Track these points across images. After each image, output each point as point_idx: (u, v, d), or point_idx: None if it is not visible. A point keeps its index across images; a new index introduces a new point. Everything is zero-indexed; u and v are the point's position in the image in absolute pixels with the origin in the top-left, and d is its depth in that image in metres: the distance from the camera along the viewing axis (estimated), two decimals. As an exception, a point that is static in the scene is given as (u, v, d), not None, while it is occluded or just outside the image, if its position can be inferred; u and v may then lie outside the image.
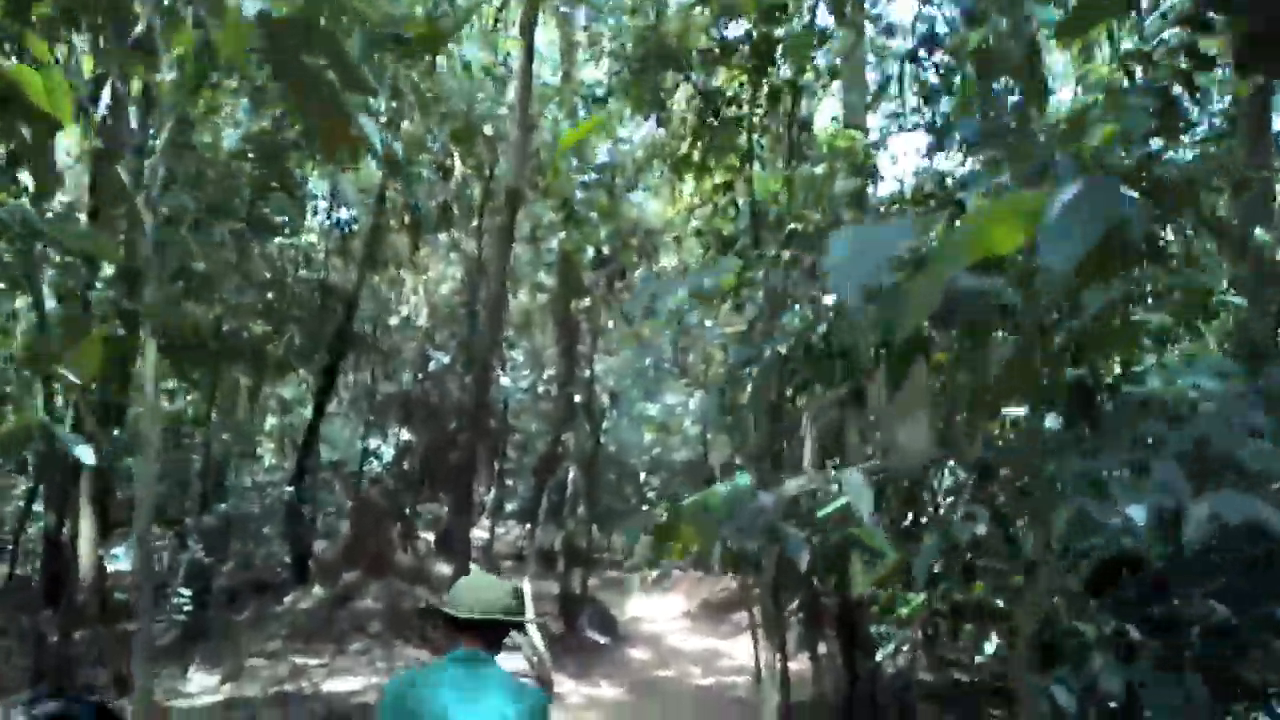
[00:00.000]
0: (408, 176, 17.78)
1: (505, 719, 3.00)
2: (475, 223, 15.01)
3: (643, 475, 27.28)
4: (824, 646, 12.51)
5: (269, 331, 17.01)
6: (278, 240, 18.06)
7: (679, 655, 15.78)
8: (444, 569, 15.87)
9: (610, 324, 17.01)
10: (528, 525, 25.86)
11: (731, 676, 14.24)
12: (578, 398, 16.26)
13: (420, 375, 17.44)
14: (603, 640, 16.17)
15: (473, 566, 13.86)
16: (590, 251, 13.79)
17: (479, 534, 24.57)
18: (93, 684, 11.02)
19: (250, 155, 16.87)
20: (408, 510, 16.55)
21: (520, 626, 3.48)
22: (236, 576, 16.88)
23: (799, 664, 15.07)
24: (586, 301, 15.89)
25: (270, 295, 17.68)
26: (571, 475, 16.45)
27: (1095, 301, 3.95)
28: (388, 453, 19.69)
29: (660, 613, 19.69)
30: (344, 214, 20.67)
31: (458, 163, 12.73)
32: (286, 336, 17.33)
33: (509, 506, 26.92)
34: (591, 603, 17.60)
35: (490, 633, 3.24)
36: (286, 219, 17.81)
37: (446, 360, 17.19)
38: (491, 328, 7.96)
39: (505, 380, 16.60)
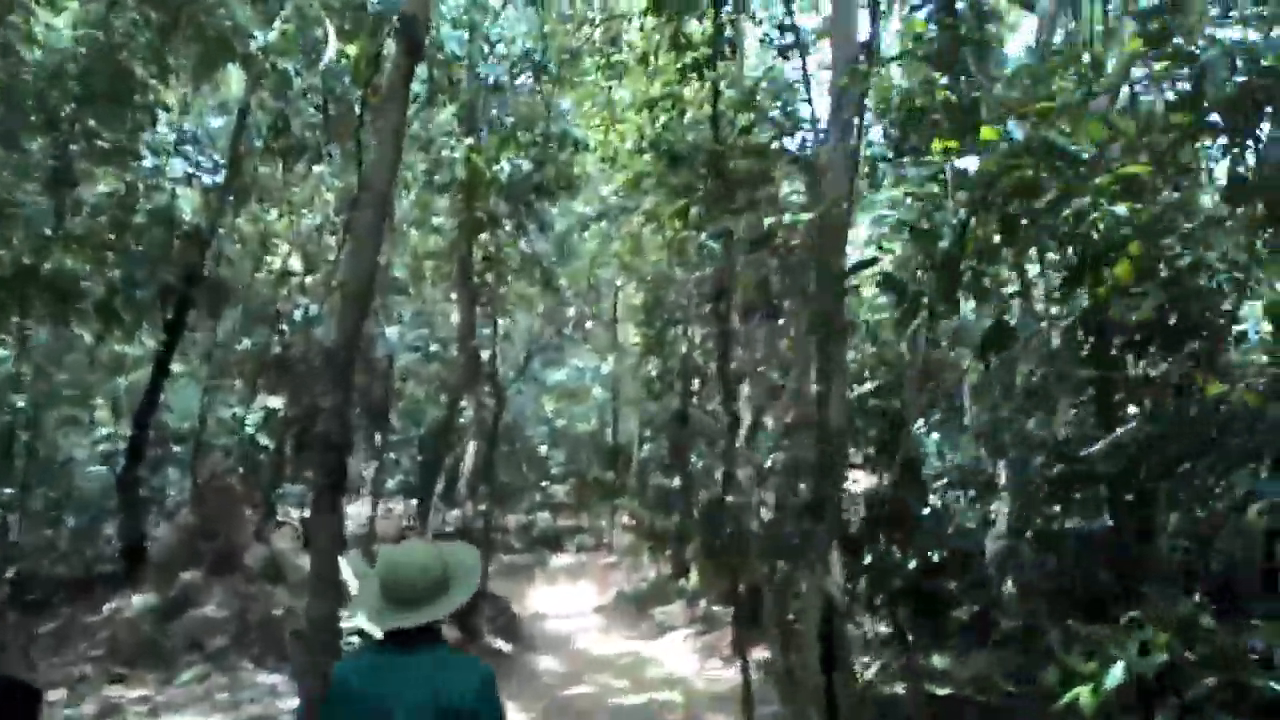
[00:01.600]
0: (279, 80, 14.68)
1: (441, 694, 2.90)
2: (356, 126, 12.02)
3: (543, 448, 24.64)
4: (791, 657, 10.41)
5: (90, 269, 13.76)
6: (113, 164, 14.86)
7: (597, 664, 13.32)
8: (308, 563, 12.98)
9: (511, 275, 14.27)
10: (415, 504, 23.09)
11: (664, 692, 11.85)
12: (485, 354, 13.56)
13: (287, 329, 14.38)
14: (506, 648, 13.59)
15: (343, 562, 11.10)
16: (503, 167, 11.07)
17: (361, 513, 21.70)
18: None
19: (81, 56, 13.66)
20: (269, 491, 13.56)
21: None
22: (47, 572, 13.63)
23: (736, 671, 12.88)
24: (490, 246, 13.18)
25: (103, 228, 14.48)
26: (471, 449, 13.74)
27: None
28: (252, 421, 16.55)
29: (569, 606, 17.19)
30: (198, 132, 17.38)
31: (330, 35, 9.80)
32: (116, 277, 14.07)
33: (392, 482, 24.03)
34: (492, 600, 14.98)
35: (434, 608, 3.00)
36: (123, 137, 14.60)
37: (321, 312, 14.18)
38: (364, 256, 5.25)
39: (390, 333, 13.74)
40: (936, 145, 4.28)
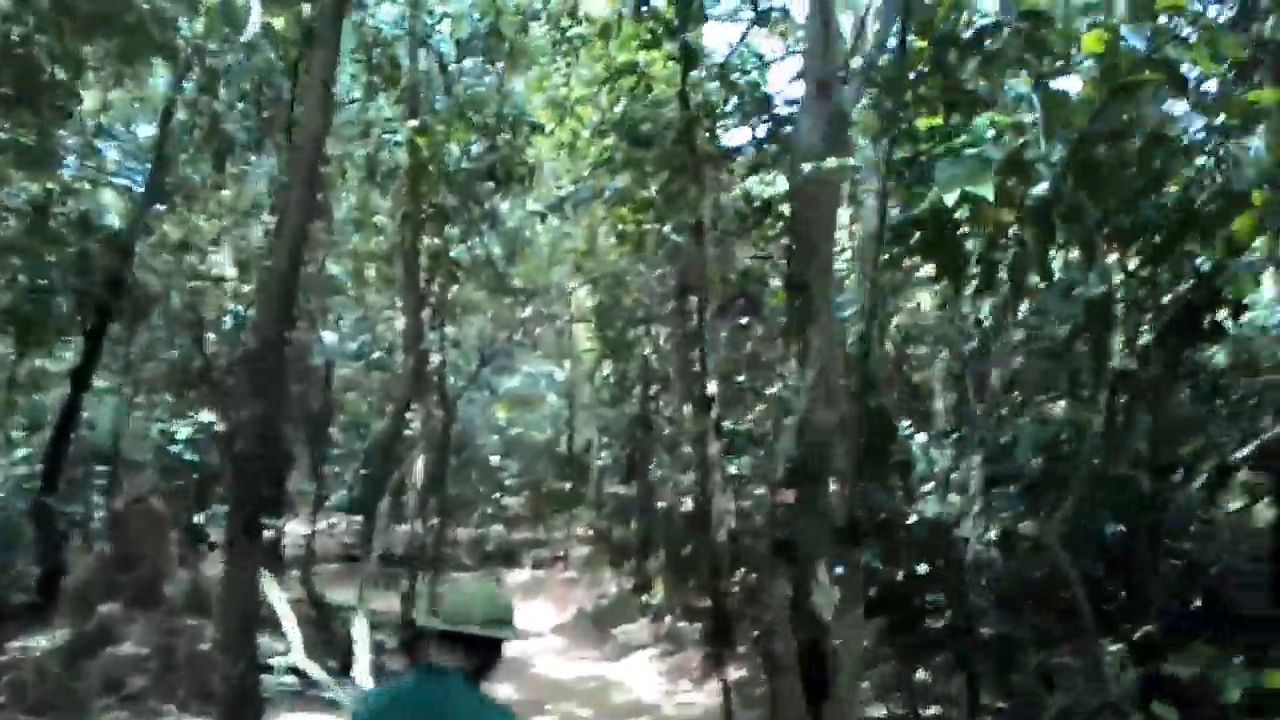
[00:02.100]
0: (207, 76, 13.66)
1: None
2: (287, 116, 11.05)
3: (496, 459, 23.65)
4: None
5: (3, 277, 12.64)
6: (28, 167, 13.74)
7: (559, 690, 12.44)
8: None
9: (461, 275, 13.33)
10: (359, 521, 21.99)
11: (633, 720, 11.03)
12: (436, 358, 12.60)
13: (215, 337, 13.32)
14: (460, 675, 12.63)
15: (265, 584, 10.17)
16: (451, 150, 10.14)
17: (300, 531, 20.60)
18: None
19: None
20: (197, 514, 12.50)
21: (498, 644, 3.02)
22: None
23: (708, 695, 12.09)
24: (437, 242, 12.26)
25: (17, 233, 13.36)
26: (420, 462, 12.82)
27: None
28: (181, 437, 15.44)
29: (526, 626, 16.25)
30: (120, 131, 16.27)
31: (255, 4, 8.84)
32: (30, 285, 12.95)
33: (335, 498, 22.91)
34: (443, 623, 14.03)
35: (471, 647, 2.91)
36: (34, 138, 13.48)
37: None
38: (292, 230, 4.38)
39: (329, 338, 12.75)
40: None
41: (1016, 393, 10.36)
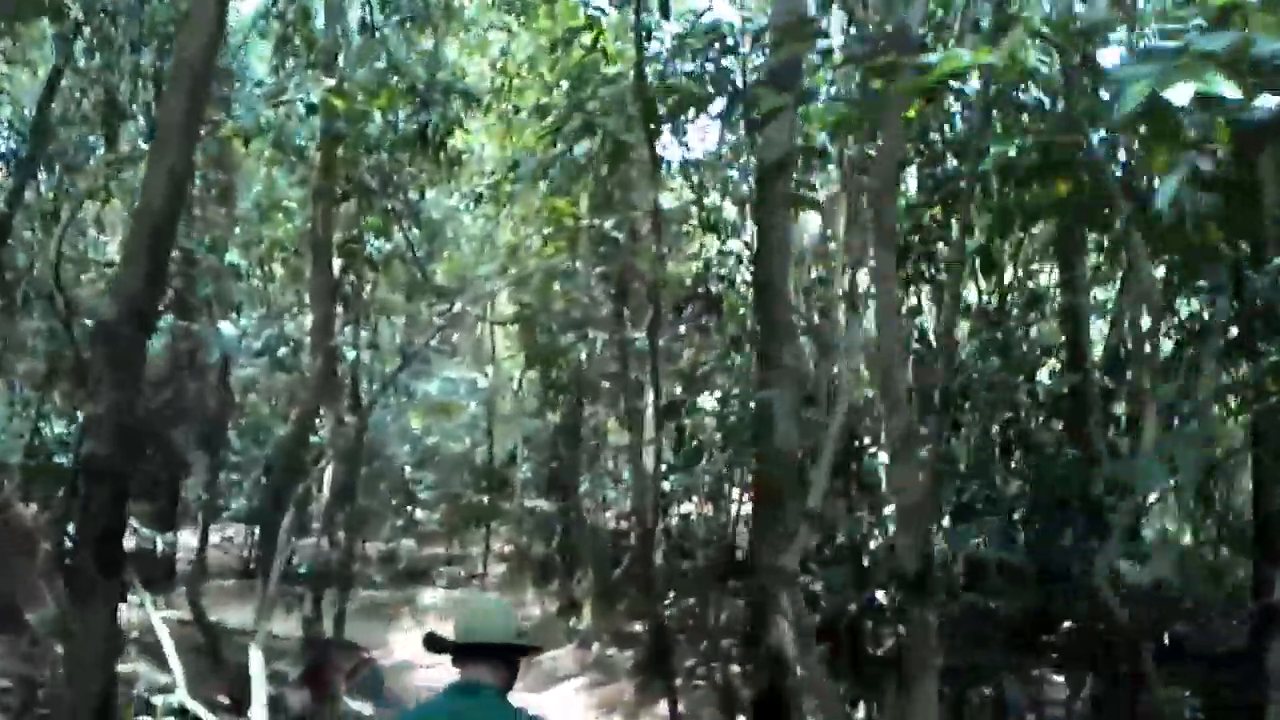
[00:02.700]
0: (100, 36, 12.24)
1: None
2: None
3: (408, 469, 22.24)
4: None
5: None
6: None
7: (477, 727, 11.23)
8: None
9: (380, 264, 12.09)
10: (255, 534, 20.43)
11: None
12: (352, 355, 11.34)
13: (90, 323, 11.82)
14: (366, 709, 11.41)
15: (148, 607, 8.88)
16: (373, 117, 8.90)
17: (192, 543, 18.92)
18: None
19: None
20: (63, 524, 10.97)
21: (524, 654, 2.99)
22: None
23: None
24: (353, 231, 11.06)
25: None
26: (329, 472, 11.57)
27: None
28: (53, 437, 13.84)
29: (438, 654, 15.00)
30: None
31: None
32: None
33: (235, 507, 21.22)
34: (347, 649, 12.75)
35: (497, 661, 2.84)
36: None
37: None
38: (167, 163, 3.26)
39: (227, 331, 11.42)
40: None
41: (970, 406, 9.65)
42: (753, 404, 8.01)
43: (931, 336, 9.51)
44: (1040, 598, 7.96)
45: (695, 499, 17.38)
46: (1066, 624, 8.42)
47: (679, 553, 13.04)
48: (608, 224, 10.73)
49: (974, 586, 8.64)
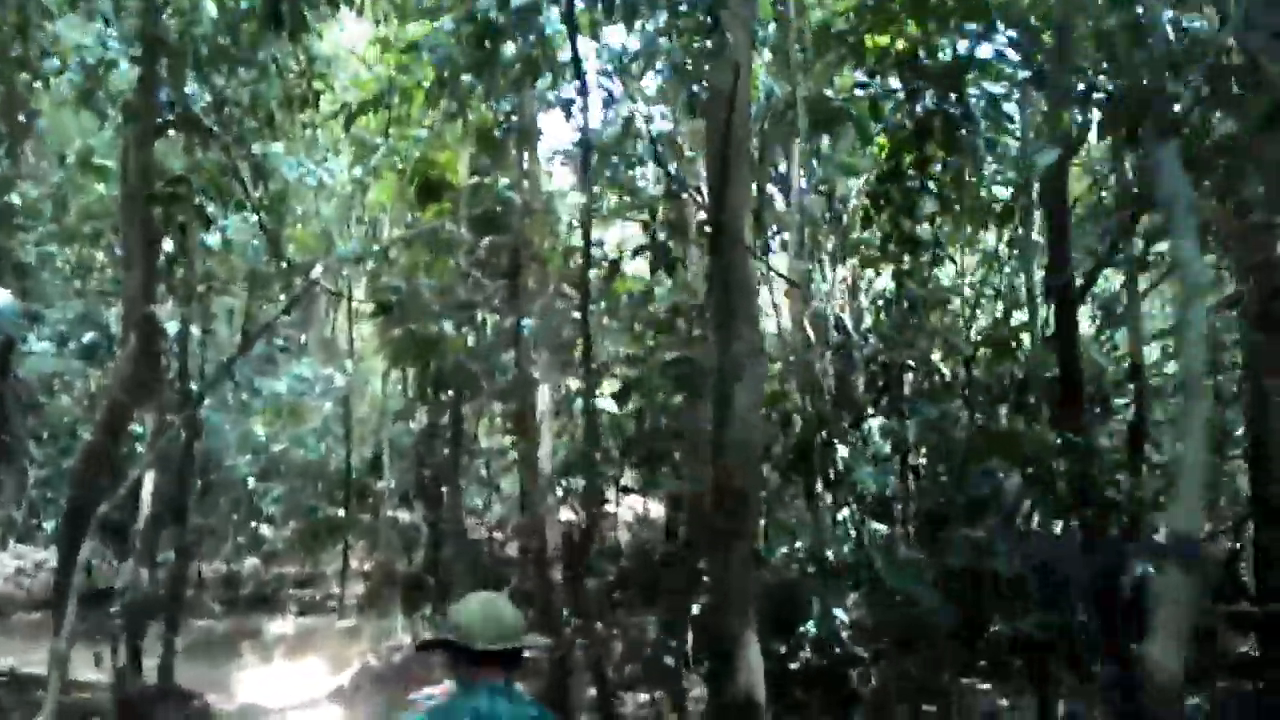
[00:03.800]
0: None
1: None
2: None
3: (251, 482, 19.63)
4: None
5: None
6: None
7: (342, 786, 9.28)
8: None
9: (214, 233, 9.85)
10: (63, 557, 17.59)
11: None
12: (177, 332, 9.06)
13: None
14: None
15: None
16: (206, 16, 6.82)
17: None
18: None
19: None
20: None
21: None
22: None
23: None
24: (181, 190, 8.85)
25: None
26: (150, 482, 9.35)
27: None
28: None
29: (294, 692, 12.77)
30: None
31: None
32: None
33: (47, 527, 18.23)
34: (179, 699, 10.51)
35: (511, 665, 2.82)
36: None
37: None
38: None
39: (4, 300, 8.98)
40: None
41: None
42: (709, 384, 6.42)
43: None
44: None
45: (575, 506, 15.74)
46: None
47: (579, 569, 11.38)
48: (504, 182, 8.91)
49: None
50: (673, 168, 7.61)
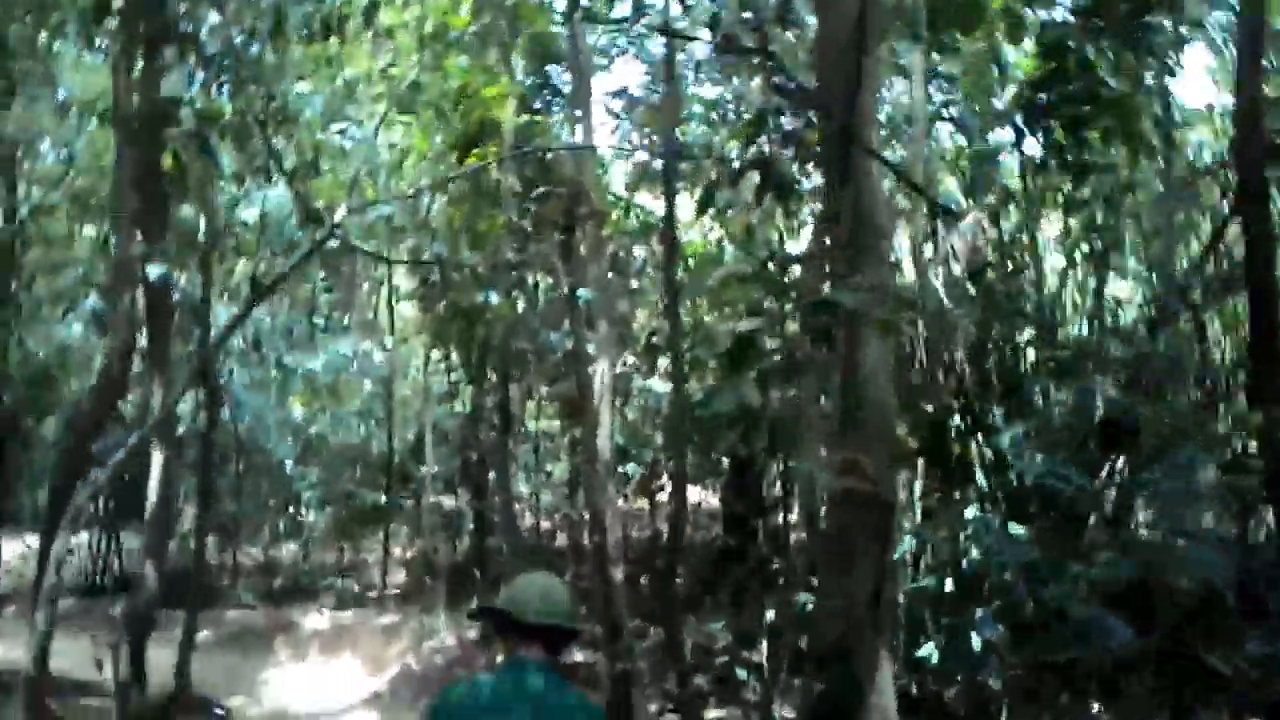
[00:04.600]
0: None
1: None
2: None
3: (289, 464, 18.50)
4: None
5: None
6: None
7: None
8: None
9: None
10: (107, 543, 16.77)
11: None
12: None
13: None
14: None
15: None
16: None
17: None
18: None
19: None
20: None
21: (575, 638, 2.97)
22: None
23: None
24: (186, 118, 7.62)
25: None
26: (159, 467, 8.18)
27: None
28: None
29: (328, 696, 11.60)
30: None
31: None
32: None
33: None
34: (196, 707, 9.38)
35: (552, 641, 2.85)
36: None
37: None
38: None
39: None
40: None
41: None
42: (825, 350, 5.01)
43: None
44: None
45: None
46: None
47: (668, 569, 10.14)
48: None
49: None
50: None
